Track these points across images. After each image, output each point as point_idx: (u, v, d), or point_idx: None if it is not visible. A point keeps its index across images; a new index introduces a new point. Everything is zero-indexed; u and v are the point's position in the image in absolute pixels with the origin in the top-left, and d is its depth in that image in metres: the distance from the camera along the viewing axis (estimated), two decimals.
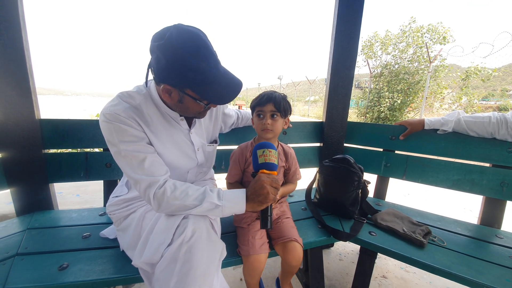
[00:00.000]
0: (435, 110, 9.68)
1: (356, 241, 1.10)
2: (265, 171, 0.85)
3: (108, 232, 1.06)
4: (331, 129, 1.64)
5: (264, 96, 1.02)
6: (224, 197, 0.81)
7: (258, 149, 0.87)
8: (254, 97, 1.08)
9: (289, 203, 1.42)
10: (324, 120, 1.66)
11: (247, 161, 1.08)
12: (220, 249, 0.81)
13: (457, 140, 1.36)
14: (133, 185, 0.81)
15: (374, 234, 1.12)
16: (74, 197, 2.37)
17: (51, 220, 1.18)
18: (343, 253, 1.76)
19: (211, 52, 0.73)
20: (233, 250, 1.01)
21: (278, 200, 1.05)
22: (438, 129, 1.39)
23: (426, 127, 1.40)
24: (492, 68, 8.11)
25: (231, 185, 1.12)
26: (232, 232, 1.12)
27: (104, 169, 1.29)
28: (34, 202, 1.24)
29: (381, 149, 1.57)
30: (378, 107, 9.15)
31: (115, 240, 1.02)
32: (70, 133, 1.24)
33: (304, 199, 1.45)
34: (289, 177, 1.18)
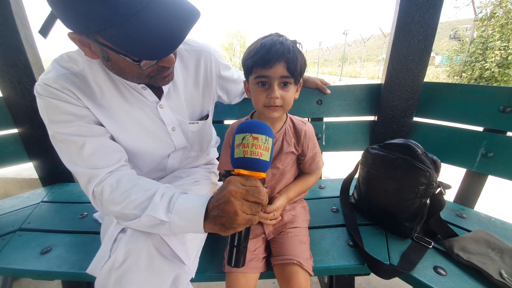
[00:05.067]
0: None
1: (409, 279, 0.69)
2: (242, 171, 0.51)
3: (98, 215, 0.98)
4: (394, 94, 1.10)
5: (271, 50, 0.60)
6: (176, 208, 0.53)
7: (237, 133, 0.53)
8: (252, 49, 0.65)
9: (316, 198, 1.06)
10: (383, 81, 1.12)
11: None
12: (172, 278, 0.57)
13: None
14: (77, 180, 0.64)
15: (443, 273, 0.68)
16: None
17: (64, 194, 1.18)
18: None
19: None
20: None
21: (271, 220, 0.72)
22: None
23: None
24: None
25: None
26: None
27: None
28: (55, 174, 1.28)
29: (481, 128, 0.97)
30: (482, 62, 6.80)
31: None
32: None
33: (339, 195, 1.05)
34: (305, 167, 0.80)
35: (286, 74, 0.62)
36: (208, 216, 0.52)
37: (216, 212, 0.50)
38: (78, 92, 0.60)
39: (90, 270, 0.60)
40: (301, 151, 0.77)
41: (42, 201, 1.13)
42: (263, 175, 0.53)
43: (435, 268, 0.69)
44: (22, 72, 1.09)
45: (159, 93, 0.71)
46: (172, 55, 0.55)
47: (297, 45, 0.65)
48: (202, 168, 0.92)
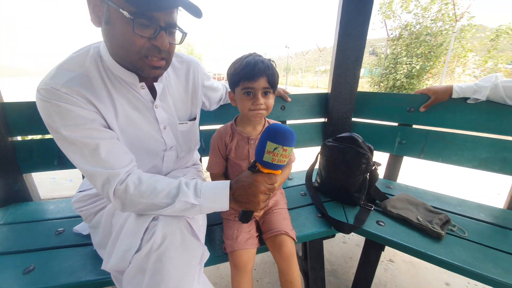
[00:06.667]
0: (457, 76, 8.91)
1: (361, 232, 0.95)
2: (267, 170, 0.67)
3: (81, 228, 0.96)
4: (338, 101, 1.41)
5: (255, 68, 0.77)
6: (203, 193, 0.66)
7: (270, 139, 0.62)
8: (238, 66, 0.81)
9: (287, 187, 1.28)
10: (329, 91, 1.43)
11: (227, 146, 0.91)
12: (200, 254, 0.67)
13: (491, 111, 1.12)
14: (88, 180, 0.67)
15: (383, 224, 0.97)
16: (67, 182, 2.28)
17: (26, 214, 1.09)
18: (347, 235, 1.65)
19: None
20: (221, 245, 0.89)
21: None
22: (468, 98, 1.14)
23: (454, 96, 1.15)
24: None
25: (213, 176, 0.96)
26: (221, 224, 1.00)
27: None
28: (9, 194, 1.15)
29: (396, 124, 1.35)
30: (394, 74, 8.46)
31: (89, 236, 0.92)
32: (38, 117, 1.09)
33: (304, 182, 1.29)
34: None
35: (267, 85, 0.80)
36: (235, 199, 0.68)
37: (242, 198, 0.67)
38: (89, 95, 0.63)
39: (112, 266, 0.63)
40: None
41: (2, 224, 1.02)
42: (279, 172, 0.70)
43: (377, 222, 0.98)
44: None
45: (153, 94, 0.78)
46: (166, 39, 0.62)
47: (272, 63, 0.85)
48: (192, 168, 1.02)
